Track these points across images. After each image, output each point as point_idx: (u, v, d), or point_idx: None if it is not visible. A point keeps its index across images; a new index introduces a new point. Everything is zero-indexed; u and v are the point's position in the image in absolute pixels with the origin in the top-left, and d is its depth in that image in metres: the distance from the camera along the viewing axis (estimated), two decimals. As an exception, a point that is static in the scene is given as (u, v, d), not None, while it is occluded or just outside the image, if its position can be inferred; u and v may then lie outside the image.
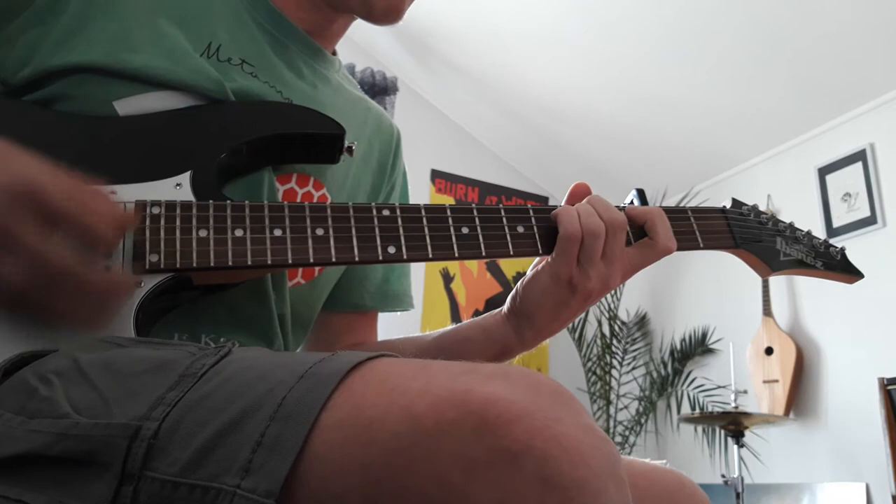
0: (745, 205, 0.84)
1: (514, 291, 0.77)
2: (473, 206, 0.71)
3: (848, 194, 3.00)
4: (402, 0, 0.77)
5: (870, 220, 2.89)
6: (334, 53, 0.87)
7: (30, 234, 0.50)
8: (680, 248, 0.76)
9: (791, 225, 0.85)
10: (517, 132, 4.00)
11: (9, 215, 0.49)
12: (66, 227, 0.52)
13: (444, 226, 0.68)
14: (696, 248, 0.78)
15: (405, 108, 3.79)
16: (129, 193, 0.61)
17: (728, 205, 0.83)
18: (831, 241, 3.10)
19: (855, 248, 3.15)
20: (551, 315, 0.74)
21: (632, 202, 0.79)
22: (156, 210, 0.61)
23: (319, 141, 0.71)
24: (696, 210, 0.80)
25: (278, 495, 0.37)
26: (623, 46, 3.15)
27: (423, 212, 0.68)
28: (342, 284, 0.86)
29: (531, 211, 0.72)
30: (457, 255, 0.68)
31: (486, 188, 4.11)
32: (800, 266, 0.83)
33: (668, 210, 0.78)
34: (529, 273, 0.76)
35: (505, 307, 0.78)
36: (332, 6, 0.79)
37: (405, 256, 0.65)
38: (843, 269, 0.86)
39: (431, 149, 3.97)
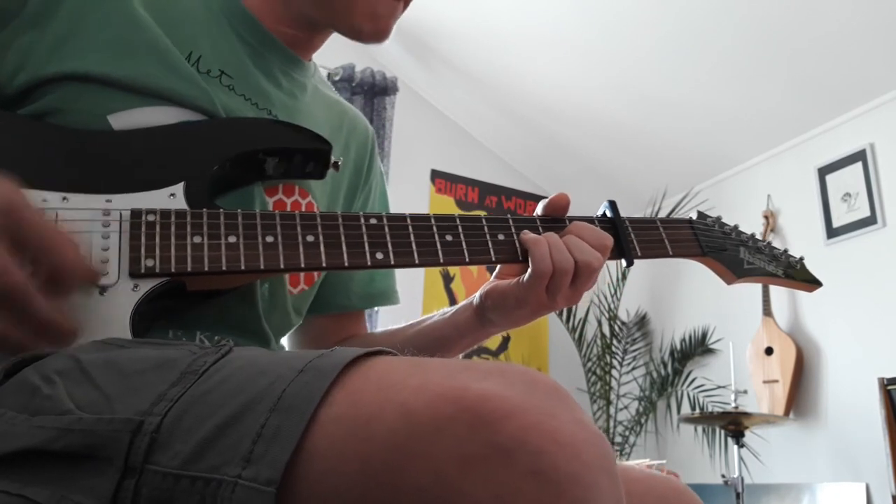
0: (710, 216, 0.90)
1: (481, 296, 0.80)
2: (456, 215, 0.73)
3: (848, 194, 3.00)
4: (388, 23, 0.79)
5: (870, 220, 2.89)
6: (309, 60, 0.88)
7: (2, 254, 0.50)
8: (651, 257, 0.80)
9: (752, 236, 0.91)
10: (517, 132, 4.00)
11: None
12: (35, 254, 0.52)
13: (428, 233, 0.71)
14: (666, 255, 0.82)
15: (405, 108, 3.79)
16: (124, 202, 0.63)
17: (695, 216, 0.89)
18: (830, 241, 3.10)
19: (855, 248, 3.16)
20: (517, 323, 0.79)
21: (604, 213, 0.82)
22: (151, 217, 0.62)
23: (307, 157, 0.73)
24: (664, 221, 0.84)
25: (279, 483, 0.38)
26: (623, 46, 3.15)
27: (408, 220, 0.70)
28: (328, 288, 0.88)
29: (510, 220, 0.75)
30: (442, 260, 0.70)
31: (486, 188, 4.12)
32: (762, 274, 0.88)
33: (638, 220, 0.82)
34: (497, 286, 0.78)
35: (474, 303, 0.81)
36: (314, 24, 0.80)
37: (392, 262, 0.68)
38: (803, 278, 0.91)
39: (431, 149, 3.97)
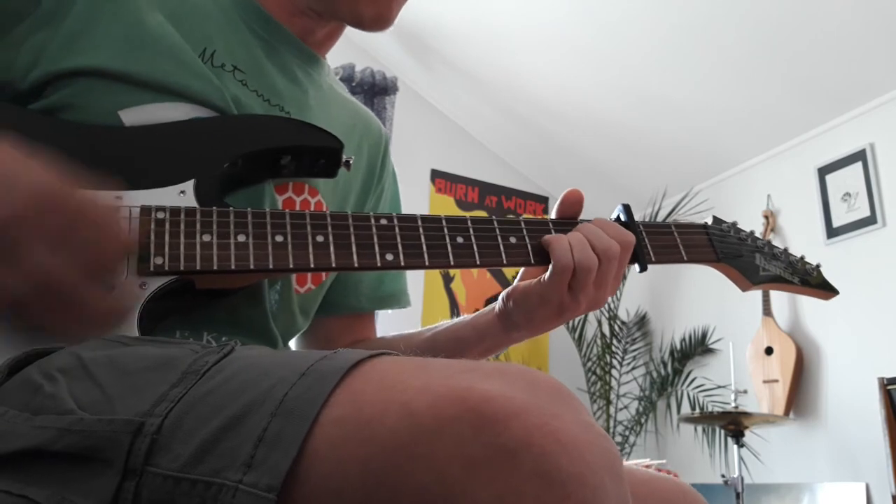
0: (725, 222, 0.88)
1: (504, 298, 0.79)
2: (468, 217, 0.73)
3: (848, 194, 3.00)
4: (389, 8, 0.78)
5: (870, 220, 2.89)
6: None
7: (40, 248, 0.51)
8: (664, 262, 0.79)
9: (769, 242, 0.89)
10: (517, 132, 4.00)
11: (23, 226, 0.51)
12: (75, 245, 0.53)
13: (439, 234, 0.70)
14: (680, 261, 0.81)
15: (405, 108, 3.78)
16: (134, 199, 0.62)
17: (710, 221, 0.87)
18: (830, 241, 3.07)
19: (855, 248, 3.16)
20: (541, 327, 0.78)
21: (618, 217, 0.81)
22: (161, 215, 0.62)
23: (319, 155, 0.73)
24: (679, 226, 0.83)
25: (279, 490, 0.38)
26: (623, 46, 3.15)
27: (419, 221, 0.70)
28: (337, 289, 0.87)
29: (523, 223, 0.75)
30: (452, 263, 0.69)
31: (486, 188, 4.11)
32: (778, 281, 0.87)
33: (652, 225, 0.81)
34: (519, 285, 0.78)
35: (496, 308, 0.80)
36: (319, 13, 0.80)
37: (402, 263, 0.67)
38: (819, 285, 0.90)
39: (431, 149, 3.97)
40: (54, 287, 0.52)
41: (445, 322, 0.87)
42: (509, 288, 0.79)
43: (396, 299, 0.94)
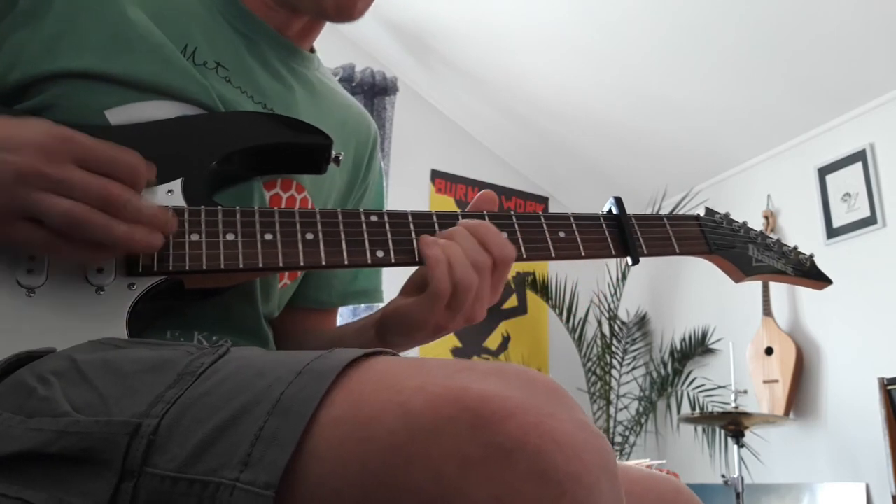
0: (718, 213, 0.87)
1: (382, 318, 0.74)
2: (459, 212, 0.71)
3: (848, 194, 3.00)
4: (353, 1, 0.76)
5: (870, 220, 2.89)
6: (312, 51, 0.87)
7: (78, 173, 0.54)
8: (657, 255, 0.78)
9: (762, 233, 0.89)
10: (517, 132, 4.00)
11: (51, 162, 0.53)
12: (106, 168, 0.56)
13: (430, 231, 0.69)
14: (673, 253, 0.80)
15: (405, 108, 3.78)
16: None
17: (702, 213, 0.86)
18: (830, 241, 3.07)
19: (855, 248, 3.15)
20: (417, 341, 0.73)
21: (609, 210, 0.80)
22: None
23: (307, 151, 0.72)
24: (671, 217, 0.82)
25: (277, 487, 0.38)
26: (623, 46, 3.15)
27: (409, 217, 0.69)
28: (309, 282, 0.86)
29: (514, 218, 0.73)
30: None
31: (486, 188, 4.11)
32: (771, 272, 0.87)
33: (644, 217, 0.79)
34: (396, 307, 0.72)
35: (376, 324, 0.75)
36: (288, 7, 0.79)
37: (393, 260, 0.66)
38: (812, 276, 0.90)
39: (431, 149, 3.96)
40: (111, 198, 0.55)
41: (353, 321, 0.84)
42: (386, 310, 0.73)
43: (367, 295, 0.91)
